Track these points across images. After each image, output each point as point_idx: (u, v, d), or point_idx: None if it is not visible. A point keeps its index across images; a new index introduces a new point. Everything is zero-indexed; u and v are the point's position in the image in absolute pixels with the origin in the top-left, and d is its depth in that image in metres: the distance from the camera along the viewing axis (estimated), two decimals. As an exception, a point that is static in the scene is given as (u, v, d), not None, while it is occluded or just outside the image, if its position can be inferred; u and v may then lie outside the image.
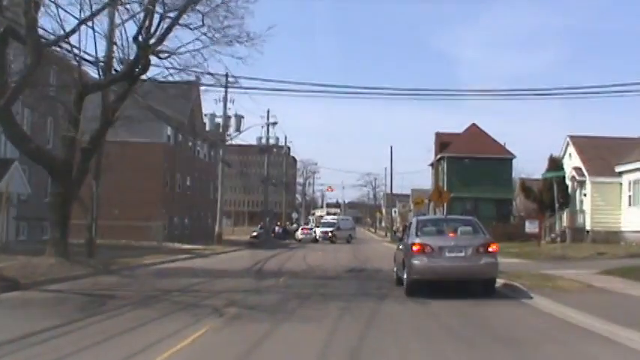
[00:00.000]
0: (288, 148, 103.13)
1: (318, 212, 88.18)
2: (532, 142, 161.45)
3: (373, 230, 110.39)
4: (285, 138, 74.14)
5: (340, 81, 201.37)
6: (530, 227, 34.36)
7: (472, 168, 58.52)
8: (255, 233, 60.09)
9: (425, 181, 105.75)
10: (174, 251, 34.27)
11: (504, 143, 63.38)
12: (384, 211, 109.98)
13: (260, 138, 62.32)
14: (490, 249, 13.84)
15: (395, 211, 75.17)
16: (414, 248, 13.72)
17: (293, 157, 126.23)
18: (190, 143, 55.21)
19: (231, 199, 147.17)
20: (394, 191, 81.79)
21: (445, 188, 42.95)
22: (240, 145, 78.69)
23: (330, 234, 59.00)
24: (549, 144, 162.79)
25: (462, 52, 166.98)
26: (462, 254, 13.61)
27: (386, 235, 79.93)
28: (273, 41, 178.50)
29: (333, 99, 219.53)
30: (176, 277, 19.00)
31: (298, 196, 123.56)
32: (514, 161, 63.31)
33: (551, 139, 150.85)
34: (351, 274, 21.23)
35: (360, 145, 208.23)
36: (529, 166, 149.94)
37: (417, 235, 14.36)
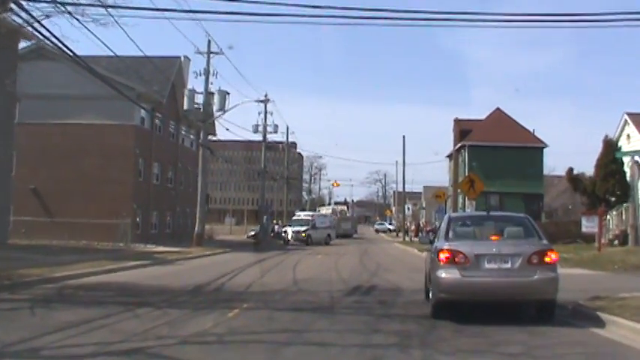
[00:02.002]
0: (294, 144, 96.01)
1: (324, 210, 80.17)
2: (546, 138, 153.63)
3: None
4: (287, 128, 66.40)
5: (345, 79, 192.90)
6: (589, 226, 26.67)
7: (497, 158, 50.74)
8: (252, 233, 53.40)
9: (437, 177, 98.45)
10: (133, 256, 26.82)
11: (533, 130, 55.70)
12: (393, 209, 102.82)
13: (257, 126, 54.39)
14: (547, 259, 10.41)
15: (408, 208, 66.64)
16: (442, 256, 10.41)
17: (299, 153, 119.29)
18: (172, 128, 47.69)
19: (235, 197, 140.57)
20: (405, 189, 73.82)
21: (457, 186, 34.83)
22: (245, 141, 71.64)
23: (303, 234, 47.99)
24: (564, 140, 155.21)
25: (469, 50, 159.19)
26: (508, 265, 10.36)
27: (397, 234, 72.64)
28: (275, 38, 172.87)
29: (338, 97, 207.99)
30: (66, 307, 11.55)
31: (305, 195, 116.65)
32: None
33: (564, 135, 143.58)
34: (354, 298, 13.52)
35: (368, 143, 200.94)
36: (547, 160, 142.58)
37: (446, 239, 11.00)
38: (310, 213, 58.05)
